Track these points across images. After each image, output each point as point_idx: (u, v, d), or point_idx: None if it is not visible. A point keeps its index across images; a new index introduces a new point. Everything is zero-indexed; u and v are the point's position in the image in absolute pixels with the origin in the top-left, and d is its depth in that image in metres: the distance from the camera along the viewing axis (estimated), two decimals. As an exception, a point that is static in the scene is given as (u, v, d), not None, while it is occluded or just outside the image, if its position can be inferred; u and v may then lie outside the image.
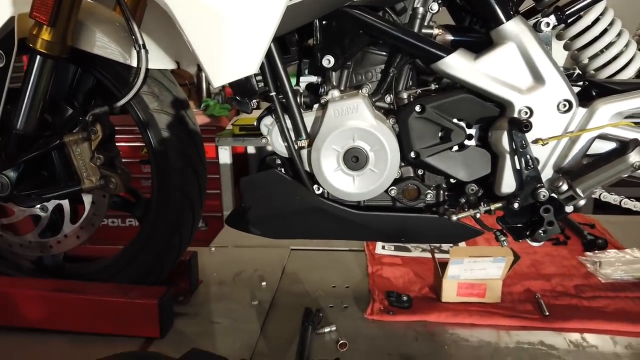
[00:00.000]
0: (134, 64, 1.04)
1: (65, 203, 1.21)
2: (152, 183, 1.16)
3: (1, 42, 1.08)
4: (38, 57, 1.04)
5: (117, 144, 1.21)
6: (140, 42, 1.00)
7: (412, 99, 1.01)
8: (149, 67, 1.04)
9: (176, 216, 1.17)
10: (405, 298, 1.25)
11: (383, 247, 1.58)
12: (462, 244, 1.52)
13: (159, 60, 1.09)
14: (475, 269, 1.23)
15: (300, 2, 0.87)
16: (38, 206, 1.21)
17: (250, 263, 1.51)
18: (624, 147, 0.87)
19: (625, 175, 0.87)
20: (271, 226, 1.11)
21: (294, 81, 1.09)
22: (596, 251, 1.53)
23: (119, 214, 3.05)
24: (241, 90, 0.98)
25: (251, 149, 3.40)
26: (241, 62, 0.87)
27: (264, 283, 1.39)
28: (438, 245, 1.55)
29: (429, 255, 1.45)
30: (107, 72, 1.11)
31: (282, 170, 1.08)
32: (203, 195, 1.22)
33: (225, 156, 2.94)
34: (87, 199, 1.19)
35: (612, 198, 0.96)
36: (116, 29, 1.09)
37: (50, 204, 1.21)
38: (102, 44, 1.07)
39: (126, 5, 1.00)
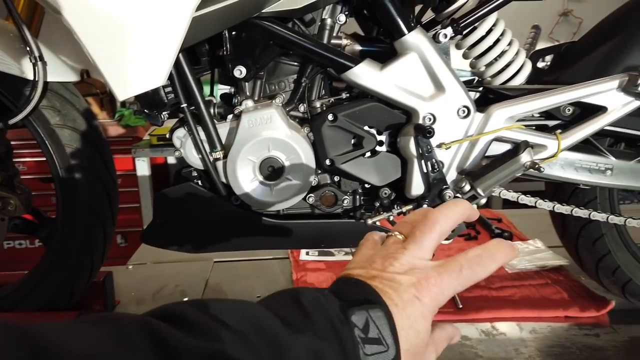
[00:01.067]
0: (31, 76, 0.97)
1: (-42, 229, 1.11)
2: (57, 202, 1.09)
3: None
4: None
5: (20, 159, 1.13)
6: (37, 54, 0.94)
7: (324, 108, 1.04)
8: (48, 79, 0.98)
9: (85, 236, 1.11)
10: (329, 302, 1.27)
11: (307, 253, 1.60)
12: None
13: (59, 72, 1.03)
14: (394, 269, 1.28)
15: (207, 13, 0.86)
16: None
17: (171, 279, 1.47)
18: (516, 148, 0.94)
19: (519, 174, 0.95)
20: (189, 240, 1.08)
21: (207, 90, 1.08)
22: (503, 244, 1.65)
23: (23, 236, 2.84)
24: (149, 103, 0.95)
25: (171, 159, 3.30)
26: (147, 74, 0.85)
27: (186, 299, 1.35)
28: (360, 247, 1.59)
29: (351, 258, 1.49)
30: (0, 85, 1.03)
31: (199, 182, 1.06)
32: (115, 211, 1.17)
33: (143, 168, 2.83)
34: (-17, 223, 1.10)
35: (510, 195, 1.04)
36: (9, 39, 1.01)
37: (-60, 231, 1.10)
38: (-6, 56, 0.99)
39: (19, 14, 0.93)
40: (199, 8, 0.83)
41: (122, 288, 1.39)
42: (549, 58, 1.18)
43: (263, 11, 0.93)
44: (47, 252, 1.14)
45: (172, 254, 1.11)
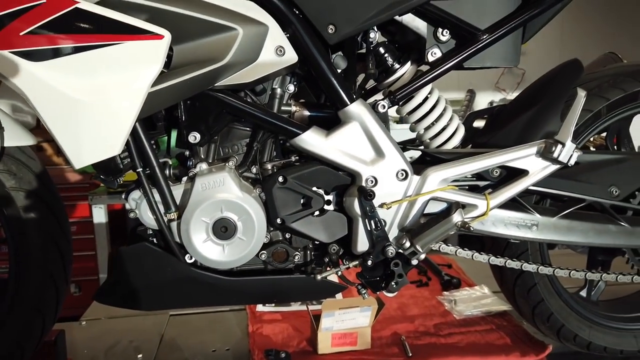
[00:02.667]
0: (-12, 143, 1.00)
1: None
2: (10, 264, 1.09)
3: None
4: None
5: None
6: (-5, 121, 0.97)
7: (275, 170, 1.10)
8: (6, 144, 1.01)
9: (37, 297, 1.11)
10: (283, 355, 1.30)
11: (264, 304, 1.63)
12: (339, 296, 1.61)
13: (16, 136, 1.06)
14: (346, 320, 1.32)
15: (163, 88, 0.92)
16: None
17: (125, 334, 1.46)
18: (449, 209, 1.03)
19: (452, 233, 1.03)
20: (144, 299, 1.10)
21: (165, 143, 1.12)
22: (452, 290, 1.73)
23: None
24: (105, 170, 0.99)
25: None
26: (103, 145, 0.89)
27: (140, 355, 1.35)
28: (314, 297, 1.63)
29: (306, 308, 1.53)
30: (-45, 150, 1.05)
31: (154, 240, 1.09)
32: (68, 270, 1.17)
33: (100, 215, 2.80)
34: None
35: (449, 249, 1.12)
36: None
37: None
38: (-50, 122, 1.01)
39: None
40: (154, 84, 0.89)
41: (74, 346, 1.38)
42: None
43: (216, 85, 1.00)
44: (-3, 313, 1.13)
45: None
